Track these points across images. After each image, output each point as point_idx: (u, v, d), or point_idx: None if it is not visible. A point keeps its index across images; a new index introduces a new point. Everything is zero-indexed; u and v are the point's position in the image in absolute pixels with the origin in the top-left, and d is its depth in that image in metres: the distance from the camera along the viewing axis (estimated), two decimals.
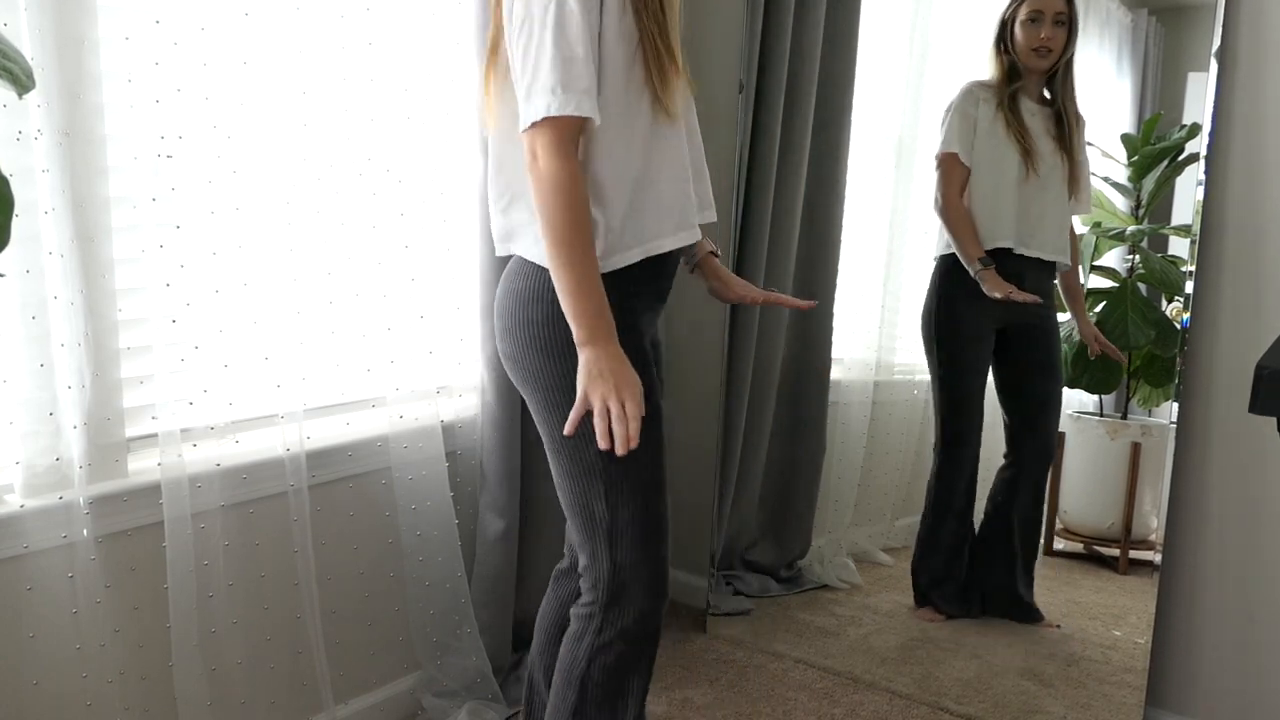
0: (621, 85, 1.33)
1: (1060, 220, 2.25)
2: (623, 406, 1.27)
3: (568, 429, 1.31)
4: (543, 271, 1.34)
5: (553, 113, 1.25)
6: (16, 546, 1.47)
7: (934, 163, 2.34)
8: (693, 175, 1.44)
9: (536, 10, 1.26)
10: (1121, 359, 2.23)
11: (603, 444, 1.28)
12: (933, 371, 2.42)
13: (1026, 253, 2.25)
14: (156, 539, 1.62)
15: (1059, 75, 2.21)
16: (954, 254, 2.31)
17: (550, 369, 1.37)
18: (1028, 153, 2.22)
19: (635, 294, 1.40)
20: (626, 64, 1.32)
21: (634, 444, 1.28)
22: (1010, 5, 2.23)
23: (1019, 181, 2.24)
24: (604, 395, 1.28)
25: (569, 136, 1.28)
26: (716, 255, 1.66)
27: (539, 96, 1.26)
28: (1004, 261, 2.25)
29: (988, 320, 2.31)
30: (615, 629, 1.42)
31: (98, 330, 1.54)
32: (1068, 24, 2.18)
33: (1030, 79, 2.23)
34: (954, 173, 2.30)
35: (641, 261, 1.38)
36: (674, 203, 1.40)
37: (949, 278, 2.34)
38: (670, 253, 1.43)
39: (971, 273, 2.27)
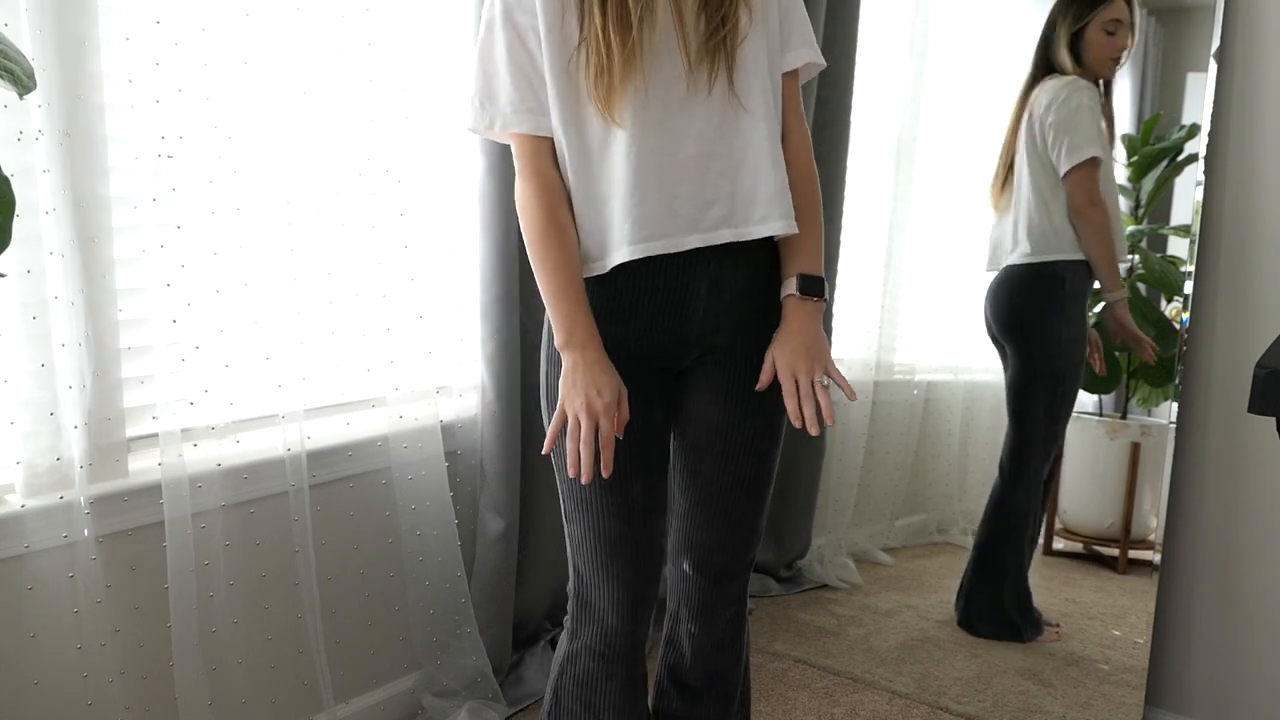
0: (565, 93, 1.27)
1: None
2: (594, 425, 1.25)
3: (546, 444, 1.31)
4: None
5: (467, 125, 1.34)
6: (17, 546, 1.47)
7: (1060, 170, 2.17)
8: (691, 179, 1.29)
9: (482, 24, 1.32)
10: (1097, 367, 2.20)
11: (570, 470, 1.27)
12: (1057, 384, 2.28)
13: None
14: (157, 539, 1.62)
15: (1109, 83, 2.21)
16: (1061, 261, 2.19)
17: (542, 377, 1.39)
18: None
19: (616, 305, 1.33)
20: (565, 70, 1.27)
21: (585, 474, 1.25)
22: (1079, 16, 2.19)
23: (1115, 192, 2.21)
24: (575, 409, 1.27)
25: (524, 154, 1.32)
26: (809, 297, 1.34)
27: (465, 106, 1.34)
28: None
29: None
30: (581, 641, 1.42)
31: (98, 330, 1.55)
32: (1132, 32, 2.18)
33: None
34: (1099, 180, 2.16)
35: (612, 273, 1.31)
36: (625, 214, 1.27)
37: (1061, 286, 2.22)
38: (661, 262, 1.30)
39: (1115, 297, 2.15)
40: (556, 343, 1.30)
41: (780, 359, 1.32)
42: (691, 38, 1.26)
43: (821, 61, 1.39)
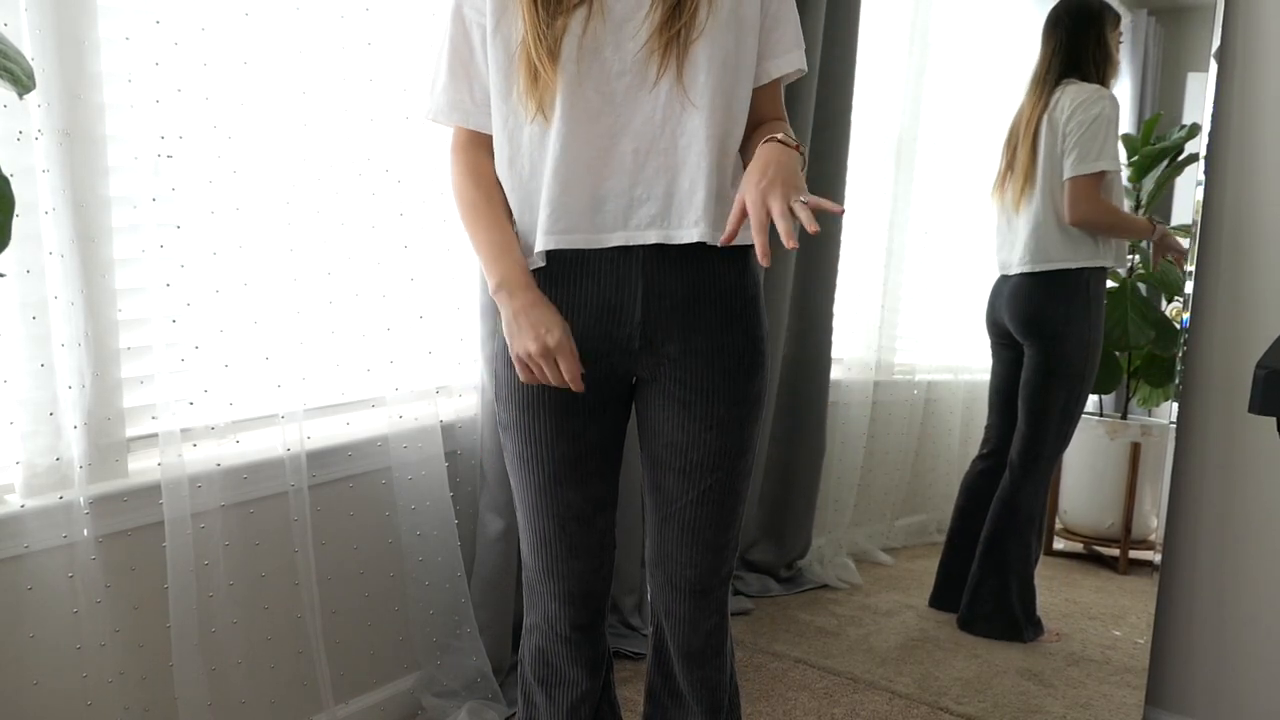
0: (503, 88, 1.27)
1: None
2: (553, 363, 1.22)
3: (523, 377, 1.28)
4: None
5: (424, 115, 1.35)
6: (17, 546, 1.47)
7: (1071, 181, 2.17)
8: (624, 175, 1.25)
9: None
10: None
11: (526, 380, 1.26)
12: (1075, 385, 2.29)
13: None
14: (157, 539, 1.62)
15: None
16: (1083, 268, 2.21)
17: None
18: None
19: (555, 299, 1.30)
20: (506, 66, 1.26)
21: (575, 382, 1.22)
22: (1113, 25, 2.18)
23: None
24: (530, 353, 1.22)
25: (457, 145, 1.34)
26: (786, 145, 1.19)
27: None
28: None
29: None
30: (531, 619, 1.47)
31: (98, 330, 1.55)
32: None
33: None
34: (1100, 191, 2.18)
35: (546, 271, 1.29)
36: (545, 204, 1.26)
37: (1085, 290, 2.24)
38: (594, 261, 1.27)
39: (1157, 234, 2.16)
40: (490, 289, 1.28)
41: (749, 192, 1.12)
42: (643, 29, 1.22)
43: (804, 67, 1.34)
